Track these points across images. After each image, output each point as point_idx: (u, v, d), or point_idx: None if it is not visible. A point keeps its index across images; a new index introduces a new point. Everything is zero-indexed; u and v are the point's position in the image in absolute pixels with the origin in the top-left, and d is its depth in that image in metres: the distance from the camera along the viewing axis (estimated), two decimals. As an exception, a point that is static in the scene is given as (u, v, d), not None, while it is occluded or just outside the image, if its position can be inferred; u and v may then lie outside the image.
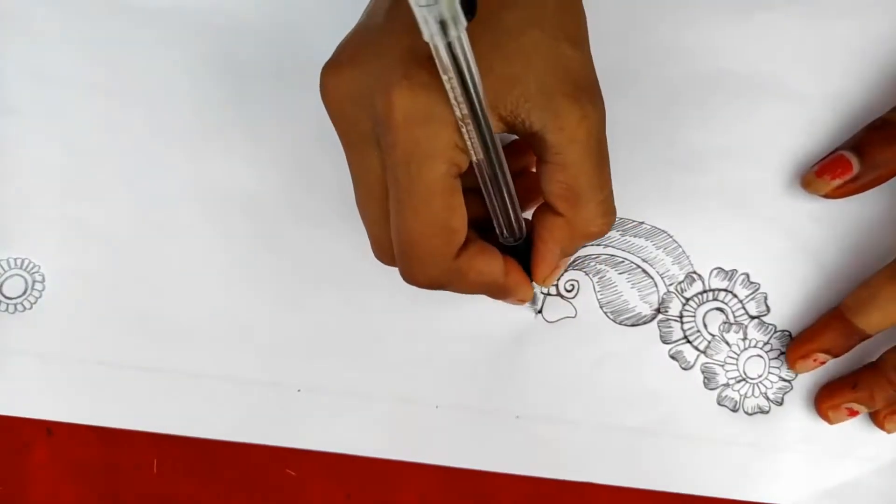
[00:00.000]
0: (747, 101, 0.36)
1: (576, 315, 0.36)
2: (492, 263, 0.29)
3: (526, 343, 0.35)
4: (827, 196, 0.34)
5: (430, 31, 0.23)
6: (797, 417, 0.35)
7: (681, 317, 0.36)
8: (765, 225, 0.36)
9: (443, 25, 0.23)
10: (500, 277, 0.30)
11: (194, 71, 0.37)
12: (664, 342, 0.35)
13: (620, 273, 0.36)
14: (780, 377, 0.35)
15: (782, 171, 0.36)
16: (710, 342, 0.35)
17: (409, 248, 0.27)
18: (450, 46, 0.23)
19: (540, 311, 0.36)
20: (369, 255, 0.30)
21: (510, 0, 0.27)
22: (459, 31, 0.23)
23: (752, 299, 0.36)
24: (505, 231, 0.30)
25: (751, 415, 0.35)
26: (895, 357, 0.33)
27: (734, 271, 0.36)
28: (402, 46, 0.26)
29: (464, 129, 0.25)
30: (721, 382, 0.35)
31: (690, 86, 0.36)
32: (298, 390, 0.35)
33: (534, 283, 0.32)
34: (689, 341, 0.35)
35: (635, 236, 0.36)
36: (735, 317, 0.36)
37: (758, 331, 0.36)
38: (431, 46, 0.23)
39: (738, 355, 0.35)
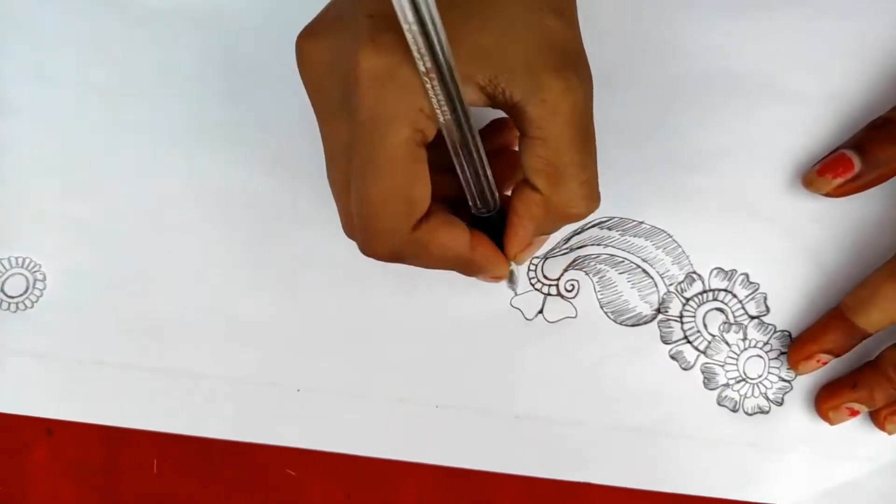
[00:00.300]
0: (747, 101, 0.36)
1: (576, 315, 0.36)
2: (456, 236, 0.28)
3: (526, 343, 0.35)
4: (828, 195, 0.34)
5: None
6: (797, 417, 0.35)
7: (681, 317, 0.36)
8: (764, 225, 0.36)
9: None
10: (465, 251, 0.29)
11: (194, 71, 0.37)
12: (664, 342, 0.35)
13: (621, 273, 0.36)
14: (779, 377, 0.35)
15: (782, 171, 0.36)
16: (710, 342, 0.35)
17: (368, 217, 0.27)
18: None
19: (515, 291, 0.35)
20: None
21: None
22: None
23: (751, 299, 0.36)
24: (478, 201, 0.29)
25: (751, 415, 0.35)
26: (894, 355, 0.33)
27: (734, 271, 0.36)
28: (373, 12, 0.25)
29: (429, 86, 0.24)
30: (721, 382, 0.35)
31: (691, 85, 0.36)
32: (298, 390, 0.35)
33: (511, 261, 0.31)
34: (689, 341, 0.35)
35: (635, 236, 0.36)
36: (735, 317, 0.36)
37: (758, 331, 0.35)
38: None
39: (738, 355, 0.35)
